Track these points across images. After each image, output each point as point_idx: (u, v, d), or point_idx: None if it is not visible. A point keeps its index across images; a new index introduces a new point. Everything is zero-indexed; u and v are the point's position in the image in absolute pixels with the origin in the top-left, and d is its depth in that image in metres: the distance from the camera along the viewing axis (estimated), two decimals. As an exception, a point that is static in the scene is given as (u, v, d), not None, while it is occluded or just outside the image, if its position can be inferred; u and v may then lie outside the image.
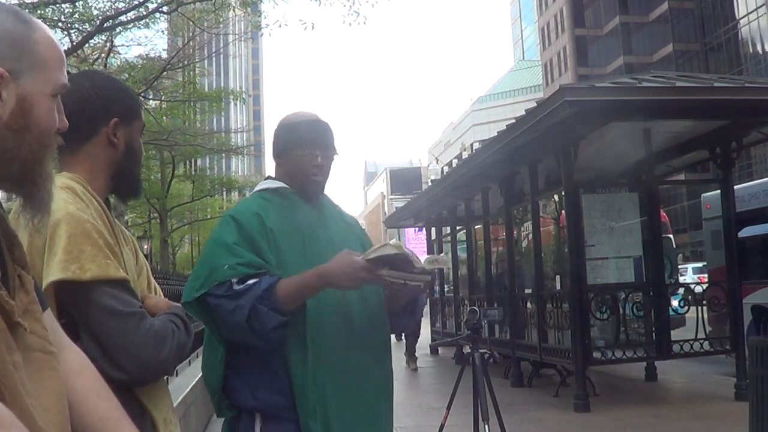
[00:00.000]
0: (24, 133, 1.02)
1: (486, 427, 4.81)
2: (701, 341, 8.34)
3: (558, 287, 9.24)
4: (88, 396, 1.22)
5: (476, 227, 12.69)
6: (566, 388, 8.54)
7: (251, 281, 1.95)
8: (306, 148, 2.16)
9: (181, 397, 5.18)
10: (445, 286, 15.19)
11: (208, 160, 37.36)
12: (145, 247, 25.29)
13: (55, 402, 1.04)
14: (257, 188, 2.28)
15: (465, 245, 13.88)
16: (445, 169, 35.78)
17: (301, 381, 1.98)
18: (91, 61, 16.96)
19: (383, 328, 2.22)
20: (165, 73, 18.86)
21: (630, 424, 6.84)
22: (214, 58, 37.49)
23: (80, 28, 14.29)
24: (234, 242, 2.01)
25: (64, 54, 1.13)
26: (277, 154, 2.23)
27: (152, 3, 14.98)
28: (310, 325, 2.01)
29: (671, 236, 13.19)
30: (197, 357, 8.18)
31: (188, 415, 5.61)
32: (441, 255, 2.24)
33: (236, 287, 1.94)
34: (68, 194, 1.49)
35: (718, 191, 9.05)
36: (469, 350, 5.17)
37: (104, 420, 1.21)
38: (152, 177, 28.24)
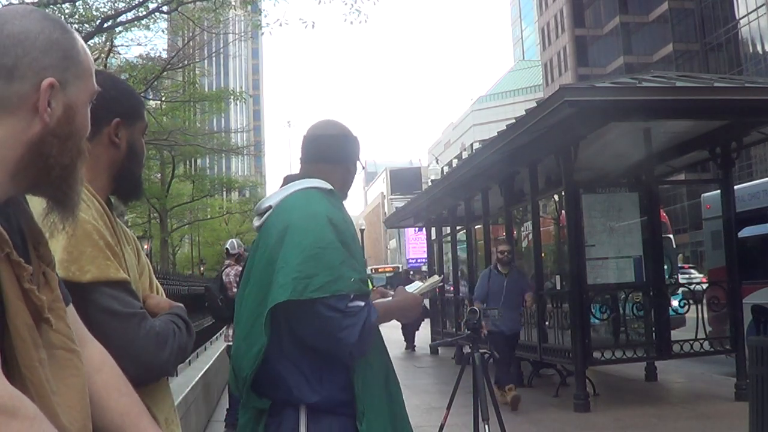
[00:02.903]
0: (67, 140, 1.05)
1: (486, 427, 4.81)
2: (701, 341, 8.34)
3: (558, 287, 9.25)
4: (108, 392, 1.23)
5: (476, 227, 12.69)
6: (566, 388, 8.55)
7: (361, 303, 2.04)
8: (358, 162, 2.38)
9: (181, 397, 5.18)
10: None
11: (208, 160, 37.31)
12: (145, 247, 25.30)
13: (78, 400, 1.05)
14: (303, 185, 2.24)
15: (465, 245, 13.89)
16: (445, 169, 35.76)
17: (372, 387, 2.10)
18: (91, 61, 16.92)
19: None
20: (165, 73, 18.85)
21: (630, 424, 6.85)
22: (214, 58, 37.47)
23: (80, 28, 14.28)
24: (347, 250, 2.07)
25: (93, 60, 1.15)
26: (342, 159, 2.33)
27: (152, 3, 14.98)
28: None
29: (671, 236, 13.20)
30: (197, 357, 8.19)
31: (188, 414, 5.62)
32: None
33: (352, 305, 2.01)
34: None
35: (718, 191, 9.06)
36: (469, 350, 5.17)
37: (124, 416, 1.23)
38: (152, 177, 28.24)
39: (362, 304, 2.03)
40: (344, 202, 2.38)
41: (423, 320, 15.71)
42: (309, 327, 2.03)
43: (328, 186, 2.24)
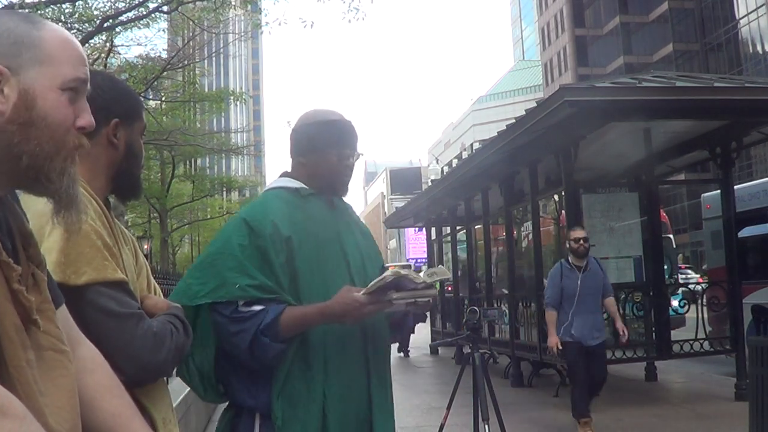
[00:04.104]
0: (29, 127, 1.03)
1: (486, 427, 4.80)
2: (701, 341, 8.35)
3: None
4: (100, 393, 1.23)
5: (476, 227, 12.69)
6: (566, 388, 8.53)
7: (257, 307, 1.95)
8: (341, 147, 2.15)
9: (181, 397, 5.18)
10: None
11: (208, 160, 37.33)
12: (145, 247, 25.28)
13: (67, 400, 1.05)
14: (273, 185, 2.22)
15: (465, 245, 13.89)
16: (445, 169, 35.78)
17: (305, 394, 1.99)
18: (91, 61, 16.94)
19: (386, 339, 2.23)
20: (165, 73, 18.85)
21: (630, 424, 6.84)
22: (214, 58, 37.47)
23: (80, 28, 14.28)
24: (246, 256, 1.98)
25: (80, 51, 1.13)
26: (305, 152, 2.17)
27: (152, 2, 14.99)
28: (322, 340, 2.03)
29: (671, 236, 13.21)
30: (197, 357, 8.17)
31: (188, 415, 5.61)
32: (439, 266, 2.24)
33: (242, 309, 1.96)
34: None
35: (718, 191, 9.06)
36: (469, 350, 5.16)
37: (116, 417, 1.23)
38: (152, 177, 28.25)
39: (257, 309, 1.95)
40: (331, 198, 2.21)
41: (416, 323, 15.09)
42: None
43: (295, 184, 2.16)
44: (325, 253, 2.09)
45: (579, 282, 6.44)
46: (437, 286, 2.18)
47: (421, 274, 2.05)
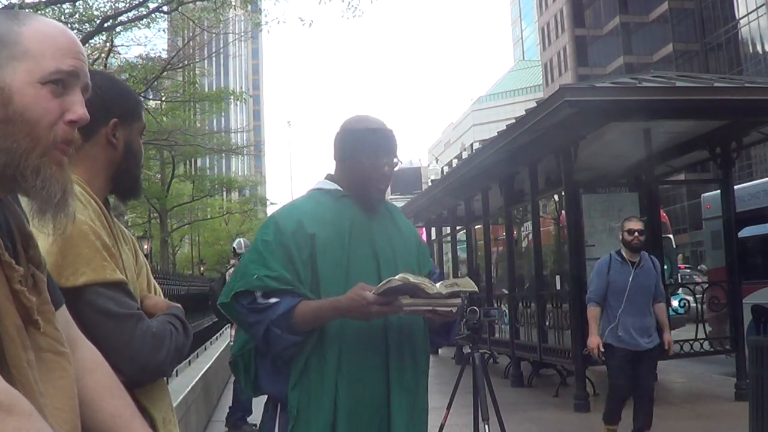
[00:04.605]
0: (7, 125, 1.01)
1: (486, 427, 4.80)
2: (701, 341, 8.34)
3: (558, 287, 9.24)
4: (100, 393, 1.23)
5: (476, 227, 12.69)
6: (566, 388, 8.54)
7: (273, 300, 2.02)
8: (376, 156, 2.18)
9: (181, 397, 5.18)
10: None
11: (208, 160, 37.40)
12: (145, 247, 25.29)
13: (66, 401, 1.05)
14: (312, 186, 2.31)
15: (465, 245, 13.89)
16: (445, 169, 35.78)
17: (319, 386, 2.03)
18: (91, 61, 16.93)
19: (419, 340, 2.22)
20: (165, 73, 18.85)
21: (630, 424, 6.82)
22: (214, 58, 37.49)
23: (80, 28, 14.29)
24: (269, 250, 2.06)
25: (68, 43, 1.10)
26: (343, 157, 2.23)
27: (152, 2, 15.00)
28: (340, 336, 2.06)
29: (671, 236, 13.21)
30: (197, 357, 8.19)
31: (188, 415, 5.61)
32: (463, 278, 2.17)
33: (259, 301, 2.04)
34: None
35: (718, 191, 9.06)
36: (469, 350, 5.16)
37: (116, 417, 1.23)
38: (152, 177, 28.25)
39: (272, 301, 2.02)
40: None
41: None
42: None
43: (330, 186, 2.24)
44: (353, 253, 2.12)
45: (631, 278, 5.62)
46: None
47: (438, 284, 2.03)
